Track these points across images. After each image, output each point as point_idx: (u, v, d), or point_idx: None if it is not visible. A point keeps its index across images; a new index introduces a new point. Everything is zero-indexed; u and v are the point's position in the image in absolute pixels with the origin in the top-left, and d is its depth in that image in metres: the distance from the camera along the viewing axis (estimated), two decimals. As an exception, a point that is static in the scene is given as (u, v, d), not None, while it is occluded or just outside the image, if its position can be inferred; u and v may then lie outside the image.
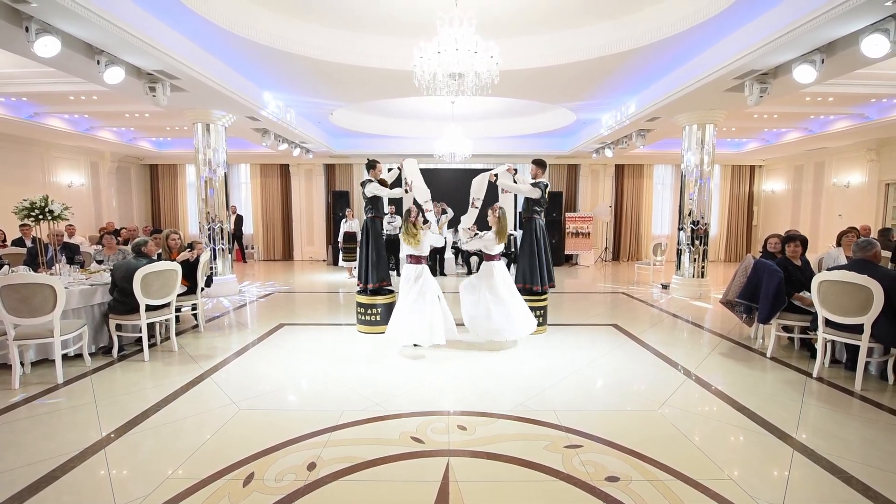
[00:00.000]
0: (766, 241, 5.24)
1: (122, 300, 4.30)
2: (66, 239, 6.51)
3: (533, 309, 5.22)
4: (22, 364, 3.83)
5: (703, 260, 7.80)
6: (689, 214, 7.76)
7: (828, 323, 3.81)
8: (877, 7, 3.74)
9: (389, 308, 5.34)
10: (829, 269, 3.93)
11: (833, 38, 4.39)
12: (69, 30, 4.20)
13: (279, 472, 2.43)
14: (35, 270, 4.73)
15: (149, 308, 4.34)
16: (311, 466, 2.48)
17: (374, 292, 5.33)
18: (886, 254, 5.41)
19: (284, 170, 13.21)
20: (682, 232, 7.93)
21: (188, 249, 5.11)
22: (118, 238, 7.03)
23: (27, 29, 3.92)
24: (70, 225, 7.84)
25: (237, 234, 11.98)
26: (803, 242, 4.64)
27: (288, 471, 2.45)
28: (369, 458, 2.57)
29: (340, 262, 10.64)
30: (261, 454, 2.62)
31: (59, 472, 2.47)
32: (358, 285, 5.45)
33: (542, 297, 5.29)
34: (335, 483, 2.34)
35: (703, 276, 7.82)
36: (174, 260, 4.86)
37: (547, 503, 2.22)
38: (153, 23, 4.82)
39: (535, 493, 2.29)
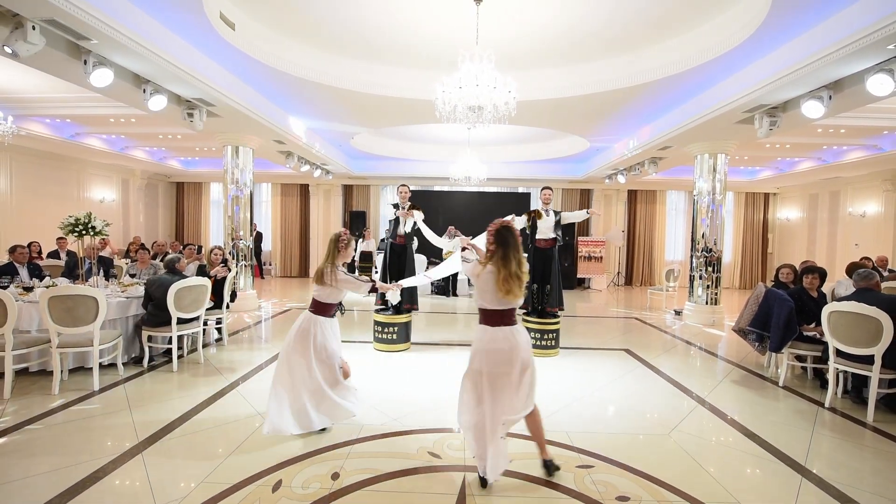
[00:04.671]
0: (777, 270, 5.31)
1: (156, 313, 4.55)
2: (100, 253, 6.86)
3: (545, 332, 5.35)
4: (60, 371, 4.07)
5: (716, 287, 7.83)
6: (702, 241, 7.84)
7: (839, 353, 3.87)
8: (880, 50, 3.91)
9: (407, 327, 5.51)
10: (838, 300, 4.01)
11: (840, 76, 4.57)
12: (123, 63, 4.59)
13: (305, 481, 2.58)
14: (73, 283, 5.03)
15: (180, 321, 4.57)
16: (335, 476, 2.63)
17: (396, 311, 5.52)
18: (900, 285, 5.43)
19: (304, 189, 13.64)
20: (694, 258, 8.00)
21: (222, 265, 5.40)
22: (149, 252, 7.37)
23: (85, 62, 4.31)
24: (102, 239, 8.23)
25: (256, 251, 12.34)
26: (822, 275, 4.70)
27: (313, 479, 2.59)
28: (389, 470, 2.70)
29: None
30: (287, 463, 2.77)
31: (101, 473, 2.65)
32: (376, 303, 5.66)
33: (555, 320, 5.40)
34: (358, 492, 2.47)
35: (716, 303, 7.83)
36: (209, 274, 5.14)
37: (559, 519, 2.33)
38: (195, 55, 5.22)
39: (549, 509, 2.39)
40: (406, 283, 4.34)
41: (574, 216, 5.73)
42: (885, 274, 7.01)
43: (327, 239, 3.30)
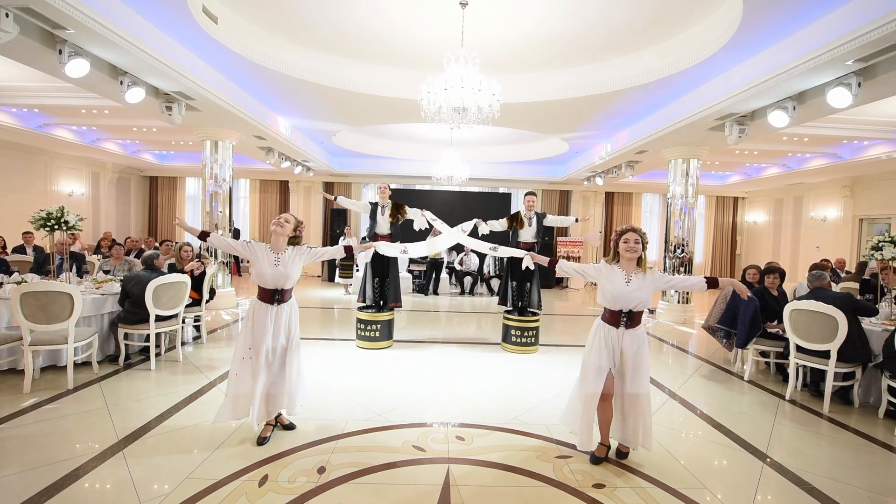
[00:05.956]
0: (744, 271, 5.59)
1: (133, 310, 4.46)
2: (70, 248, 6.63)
3: (526, 329, 5.48)
4: (32, 370, 3.95)
5: (687, 286, 8.13)
6: (675, 242, 8.14)
7: (798, 349, 4.12)
8: (839, 65, 4.18)
9: (389, 325, 5.56)
10: (797, 299, 4.27)
11: (803, 88, 4.85)
12: (100, 54, 4.48)
13: (292, 475, 2.61)
14: (44, 279, 4.86)
15: (158, 318, 4.50)
16: (321, 470, 2.67)
17: (378, 309, 5.56)
18: (855, 285, 5.80)
19: (284, 186, 13.47)
20: (668, 258, 8.29)
21: (196, 260, 5.30)
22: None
23: (60, 52, 4.19)
24: (73, 234, 7.96)
25: (234, 248, 12.10)
26: (781, 275, 5.01)
27: (300, 473, 2.63)
28: (375, 463, 2.76)
29: (336, 279, 10.84)
30: (273, 458, 2.79)
31: (80, 471, 2.61)
32: (358, 300, 5.69)
33: (535, 318, 5.55)
34: (345, 485, 2.52)
35: (687, 302, 8.15)
36: (184, 269, 5.05)
37: (540, 507, 2.43)
38: (176, 48, 5.12)
39: (529, 496, 2.50)
40: (382, 247, 4.44)
41: (560, 221, 5.79)
42: (843, 275, 7.45)
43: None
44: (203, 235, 3.23)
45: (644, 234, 2.88)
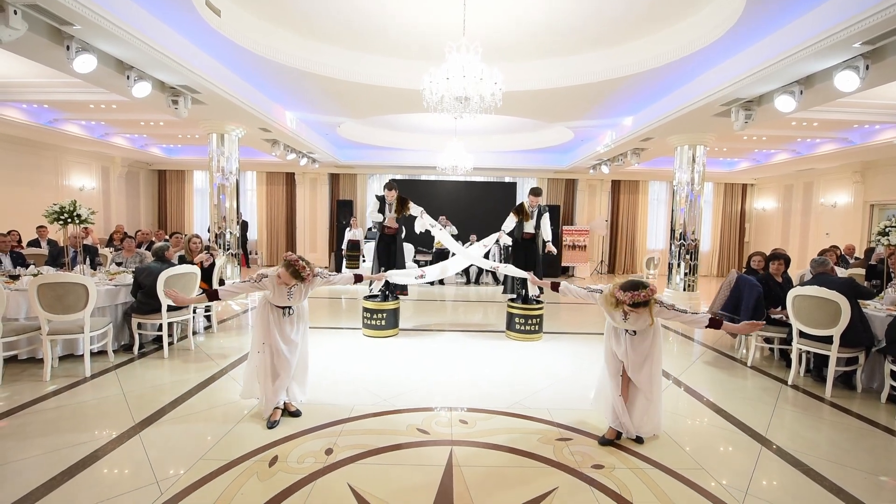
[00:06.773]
0: (749, 258, 5.57)
1: (145, 301, 4.58)
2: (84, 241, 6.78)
3: (529, 317, 5.54)
4: (51, 358, 4.09)
5: (693, 274, 8.13)
6: (681, 230, 8.11)
7: (801, 334, 4.13)
8: (847, 48, 4.12)
9: (395, 313, 5.64)
10: (801, 285, 4.27)
11: (810, 72, 4.78)
12: (107, 49, 4.55)
13: (300, 456, 2.71)
14: (59, 271, 5.00)
15: (170, 308, 4.61)
16: (329, 451, 2.76)
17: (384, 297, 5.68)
18: (861, 271, 5.76)
19: (290, 178, 13.56)
20: (673, 246, 8.27)
21: (205, 252, 5.41)
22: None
23: (68, 48, 4.26)
24: (85, 227, 8.12)
25: (242, 240, 12.26)
26: (786, 261, 5.00)
27: (308, 455, 2.73)
28: (380, 445, 2.85)
29: (343, 269, 10.96)
30: (282, 441, 2.89)
31: (100, 452, 2.73)
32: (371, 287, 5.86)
33: (539, 306, 5.60)
34: (352, 465, 2.62)
35: (693, 290, 8.14)
36: (193, 261, 5.16)
37: (539, 484, 2.50)
38: (181, 42, 5.18)
39: (529, 476, 2.57)
40: (395, 277, 4.63)
41: (545, 230, 6.00)
42: (852, 261, 7.39)
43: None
44: (213, 296, 3.16)
45: (655, 295, 2.80)
